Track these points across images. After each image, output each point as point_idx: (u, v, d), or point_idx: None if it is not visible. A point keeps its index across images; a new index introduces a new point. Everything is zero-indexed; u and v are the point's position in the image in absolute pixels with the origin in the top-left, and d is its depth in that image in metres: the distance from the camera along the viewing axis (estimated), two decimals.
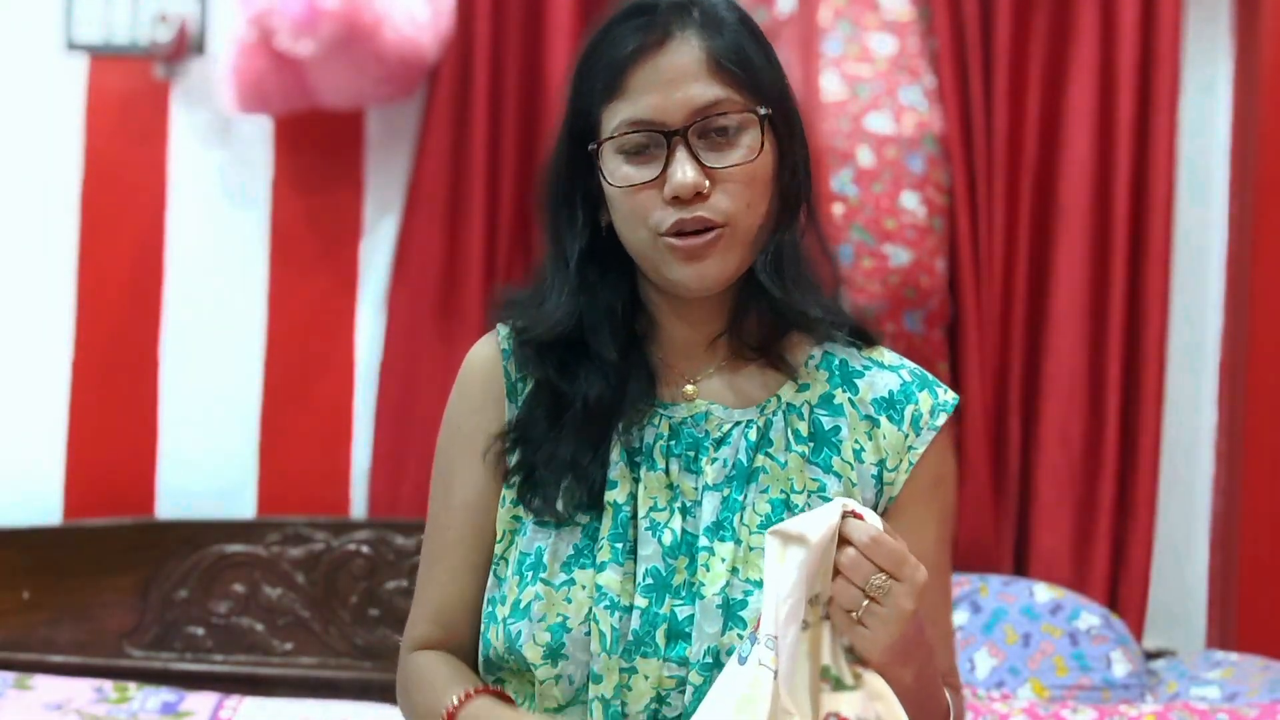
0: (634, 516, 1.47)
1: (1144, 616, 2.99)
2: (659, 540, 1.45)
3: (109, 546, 3.00)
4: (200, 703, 2.73)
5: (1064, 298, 3.03)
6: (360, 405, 3.15)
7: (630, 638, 1.43)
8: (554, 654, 1.44)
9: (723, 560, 1.43)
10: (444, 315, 3.09)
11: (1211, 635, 3.05)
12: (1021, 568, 3.04)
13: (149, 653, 2.98)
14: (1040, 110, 3.04)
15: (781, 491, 1.46)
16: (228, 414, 3.16)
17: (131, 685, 2.77)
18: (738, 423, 1.49)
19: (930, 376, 1.54)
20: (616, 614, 1.43)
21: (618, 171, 1.45)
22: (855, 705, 1.29)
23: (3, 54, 3.16)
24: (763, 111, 1.44)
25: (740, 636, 1.39)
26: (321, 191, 3.16)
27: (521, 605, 1.45)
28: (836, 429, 1.49)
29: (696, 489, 1.47)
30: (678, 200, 1.42)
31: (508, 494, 1.51)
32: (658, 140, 1.43)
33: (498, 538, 1.51)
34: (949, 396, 1.52)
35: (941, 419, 1.50)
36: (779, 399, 1.50)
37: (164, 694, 2.74)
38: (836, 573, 1.29)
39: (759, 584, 1.39)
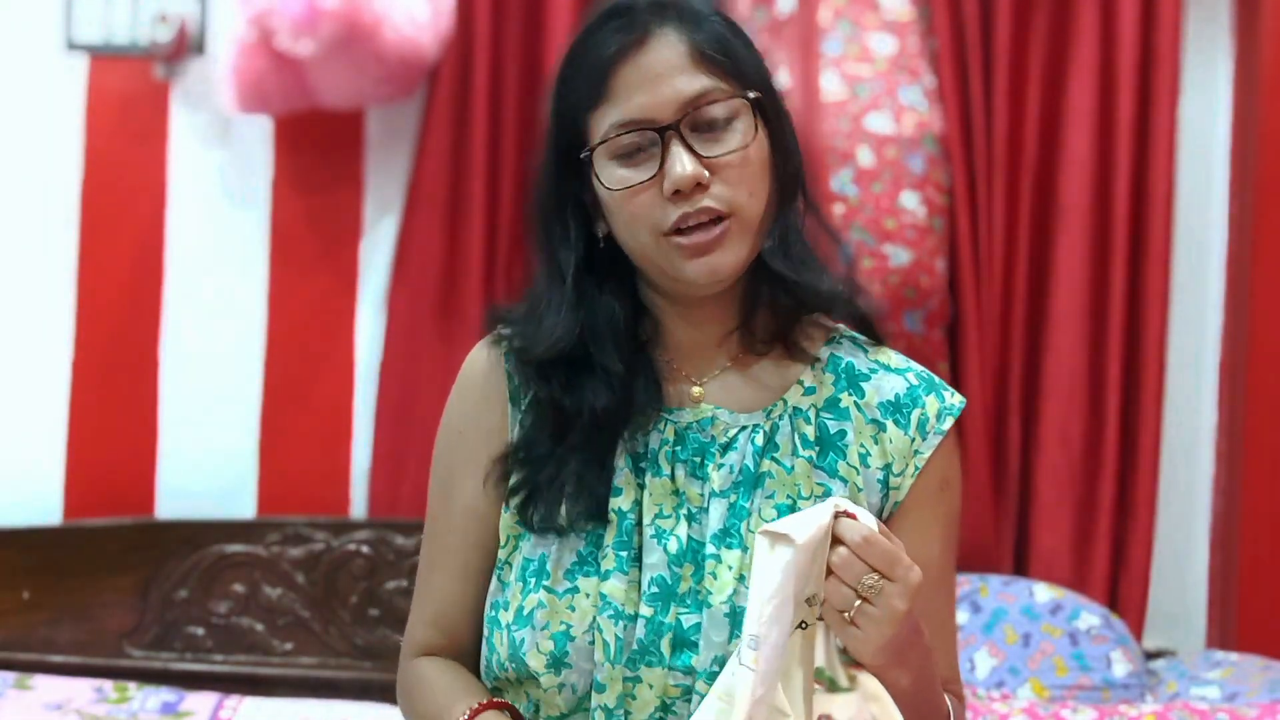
0: (639, 524, 1.45)
1: (1144, 616, 2.99)
2: (664, 548, 1.44)
3: (109, 546, 3.00)
4: (200, 703, 2.73)
5: (1064, 298, 3.03)
6: (360, 405, 3.15)
7: (635, 647, 1.42)
8: (557, 663, 1.43)
9: (730, 568, 1.42)
10: (444, 315, 3.09)
11: (1211, 635, 3.05)
12: (1021, 568, 3.04)
13: (149, 653, 2.98)
14: (1040, 110, 3.04)
15: (788, 497, 1.45)
16: (228, 414, 3.16)
17: (131, 685, 2.77)
18: (744, 427, 1.47)
19: (937, 379, 1.52)
20: (621, 623, 1.42)
21: (613, 176, 1.43)
22: (849, 707, 1.28)
23: (3, 54, 3.16)
24: (752, 96, 1.43)
25: None
26: (321, 191, 3.16)
27: (525, 612, 1.45)
28: (843, 433, 1.48)
29: (703, 495, 1.46)
30: (678, 195, 1.40)
31: (511, 504, 1.49)
32: (651, 138, 1.41)
33: (501, 543, 1.49)
34: (955, 400, 1.51)
35: (948, 423, 1.49)
36: (785, 402, 1.49)
37: (164, 694, 2.74)
38: (830, 572, 1.29)
39: None
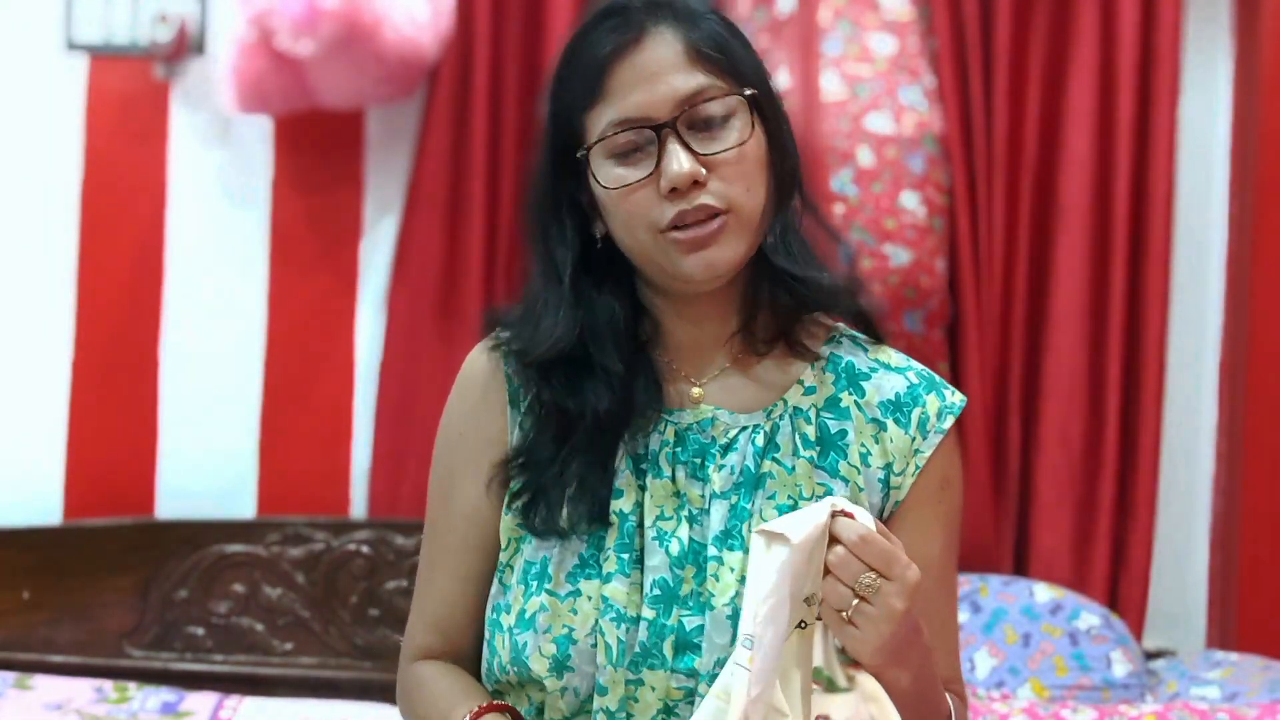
0: (640, 526, 1.45)
1: (1144, 616, 2.99)
2: (666, 550, 1.43)
3: (109, 546, 3.00)
4: (200, 703, 2.73)
5: (1064, 298, 3.03)
6: (360, 405, 3.15)
7: (637, 649, 1.41)
8: (560, 666, 1.43)
9: (732, 570, 1.42)
10: (444, 315, 3.09)
11: (1211, 635, 3.05)
12: (1021, 568, 3.04)
13: (149, 653, 2.98)
14: (1040, 110, 3.04)
15: (789, 497, 1.45)
16: (228, 414, 3.16)
17: (131, 685, 2.77)
18: (744, 428, 1.47)
19: (938, 378, 1.52)
20: (623, 626, 1.42)
21: (610, 174, 1.42)
22: (846, 707, 1.28)
23: (3, 54, 3.16)
24: (748, 93, 1.43)
25: None
26: (321, 191, 3.16)
27: (527, 615, 1.44)
28: (843, 432, 1.48)
29: (704, 497, 1.46)
30: (675, 193, 1.40)
31: (513, 507, 1.49)
32: (647, 137, 1.41)
33: (502, 545, 1.49)
34: (956, 399, 1.50)
35: (949, 422, 1.49)
36: (785, 402, 1.48)
37: (164, 694, 2.74)
38: (828, 572, 1.28)
39: None
